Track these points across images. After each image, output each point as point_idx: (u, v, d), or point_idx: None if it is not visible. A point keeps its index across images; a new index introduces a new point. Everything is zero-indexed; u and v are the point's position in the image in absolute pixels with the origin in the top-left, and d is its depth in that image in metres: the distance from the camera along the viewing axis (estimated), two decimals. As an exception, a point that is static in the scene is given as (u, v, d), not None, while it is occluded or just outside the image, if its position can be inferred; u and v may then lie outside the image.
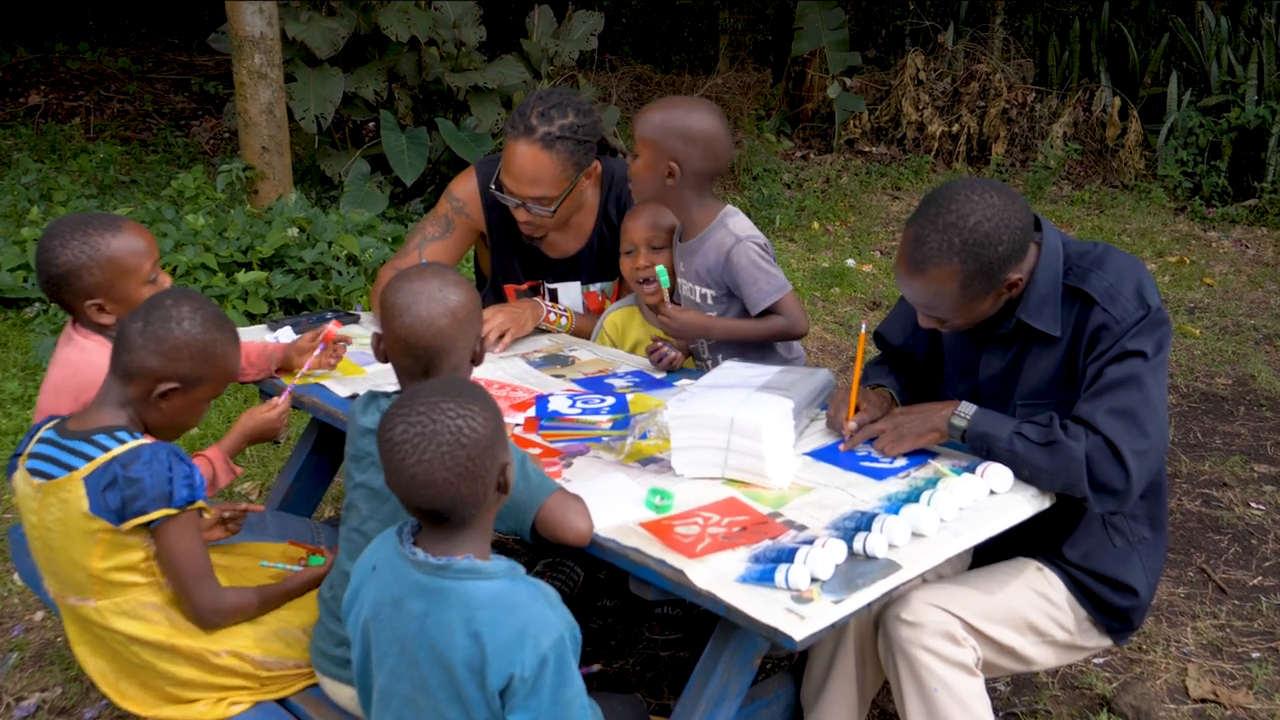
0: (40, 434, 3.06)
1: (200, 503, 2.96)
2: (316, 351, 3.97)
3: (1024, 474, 3.14)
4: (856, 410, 3.47)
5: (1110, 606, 3.42)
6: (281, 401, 3.83)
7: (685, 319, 4.01)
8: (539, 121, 4.26)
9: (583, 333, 4.63)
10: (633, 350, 4.50)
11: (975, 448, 3.24)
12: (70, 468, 2.92)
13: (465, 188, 4.65)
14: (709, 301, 4.03)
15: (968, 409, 3.26)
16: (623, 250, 4.36)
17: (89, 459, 2.91)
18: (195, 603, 3.04)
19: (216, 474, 3.67)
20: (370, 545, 2.75)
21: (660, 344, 4.13)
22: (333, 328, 4.02)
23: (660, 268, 3.98)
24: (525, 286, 4.73)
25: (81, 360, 3.42)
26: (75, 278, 3.38)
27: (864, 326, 3.67)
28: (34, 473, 3.00)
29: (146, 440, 2.95)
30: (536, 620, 2.48)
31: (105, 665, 3.12)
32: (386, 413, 2.54)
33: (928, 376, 3.76)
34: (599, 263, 4.67)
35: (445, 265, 3.13)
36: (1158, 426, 3.14)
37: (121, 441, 2.92)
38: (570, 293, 4.73)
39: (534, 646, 2.45)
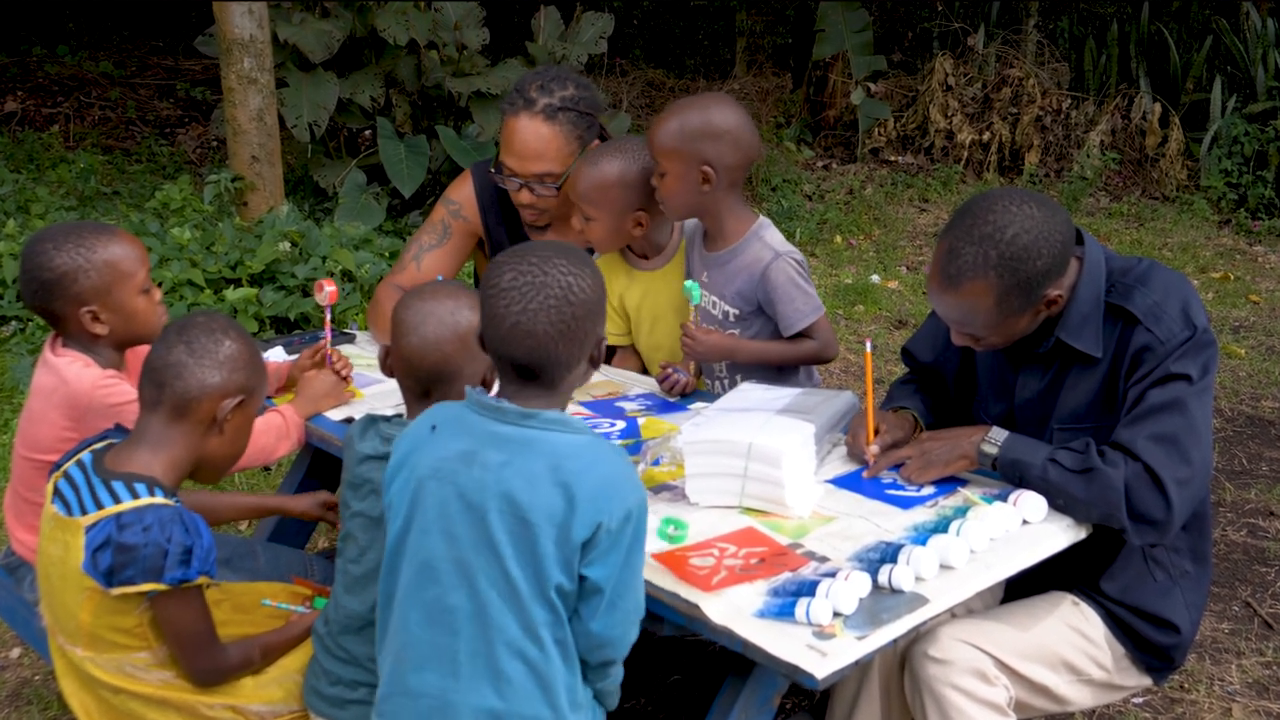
0: (80, 455, 3.07)
1: (202, 579, 2.93)
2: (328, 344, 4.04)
3: (1059, 503, 3.14)
4: (876, 433, 3.48)
5: (1150, 644, 3.42)
6: (335, 359, 4.02)
7: (711, 341, 3.98)
8: (539, 94, 4.32)
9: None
10: (622, 297, 4.46)
11: (1007, 475, 3.24)
12: (84, 509, 2.91)
13: (461, 191, 4.69)
14: (730, 320, 4.02)
15: (999, 434, 3.26)
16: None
17: (99, 506, 2.89)
18: (194, 667, 3.04)
19: (289, 430, 3.79)
20: (426, 411, 2.80)
21: (670, 369, 4.12)
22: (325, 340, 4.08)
23: (692, 284, 3.94)
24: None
25: (56, 383, 3.44)
26: (71, 281, 3.40)
27: (869, 345, 3.66)
28: (57, 494, 3.00)
29: (159, 500, 2.91)
30: (623, 474, 2.60)
31: (91, 703, 3.11)
32: (494, 261, 2.65)
33: (958, 397, 3.76)
34: None
35: (461, 285, 3.15)
36: (1201, 454, 3.14)
37: (135, 496, 2.89)
38: None
39: (621, 500, 2.55)
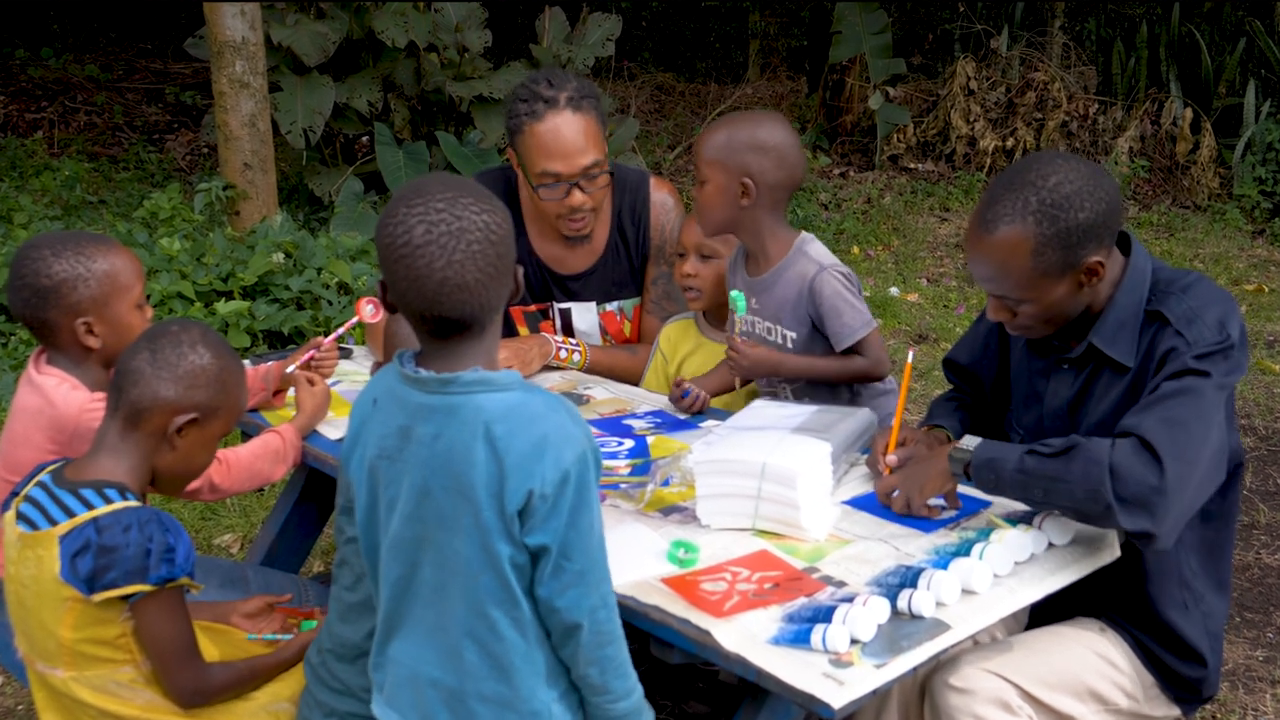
0: (39, 477, 3.07)
1: (185, 579, 2.94)
2: (304, 357, 4.03)
3: (1037, 494, 3.07)
4: (902, 445, 3.48)
5: (1177, 675, 3.41)
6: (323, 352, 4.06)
7: (756, 355, 3.99)
8: (555, 90, 4.33)
9: (598, 367, 4.64)
10: (682, 364, 4.52)
11: (982, 479, 3.17)
12: (53, 520, 2.92)
13: None
14: (789, 344, 4.04)
15: (971, 440, 3.22)
16: (675, 253, 4.44)
17: (70, 515, 2.90)
18: (177, 685, 3.02)
19: (286, 451, 3.78)
20: (370, 380, 2.79)
21: (684, 382, 4.14)
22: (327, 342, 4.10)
23: (737, 293, 3.97)
24: (534, 309, 4.76)
25: (42, 404, 3.42)
26: (70, 289, 3.39)
27: (910, 355, 3.67)
28: (20, 518, 3.00)
29: (134, 504, 2.93)
30: (558, 432, 2.53)
31: (75, 738, 3.12)
32: (392, 218, 2.54)
33: (995, 409, 3.75)
34: (615, 279, 4.71)
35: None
36: (1211, 446, 3.05)
37: (108, 501, 2.91)
38: (585, 314, 4.76)
39: (555, 460, 2.49)
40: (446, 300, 2.52)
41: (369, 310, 4.12)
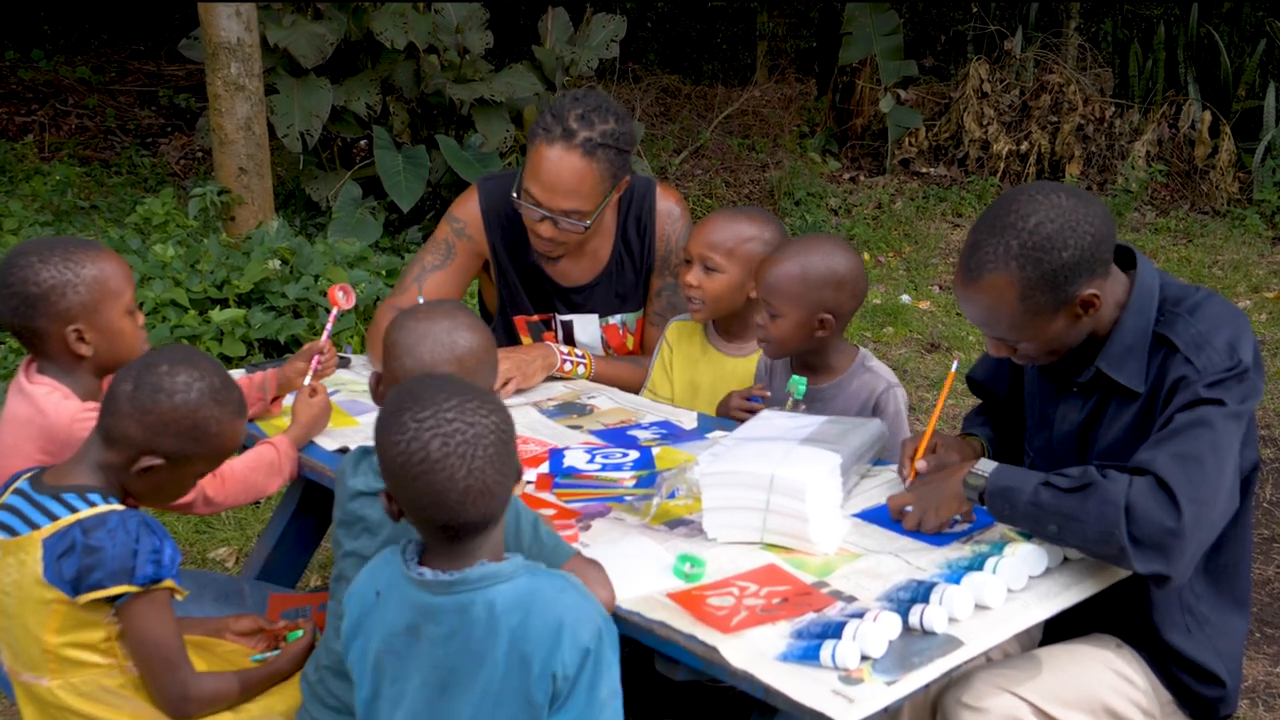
0: (15, 485, 3.07)
1: (169, 582, 2.95)
2: (312, 369, 4.01)
3: (1050, 530, 3.06)
4: (932, 452, 3.48)
5: (1194, 694, 3.40)
6: (315, 379, 4.02)
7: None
8: (580, 125, 4.25)
9: (602, 378, 4.62)
10: (690, 368, 4.50)
11: (996, 508, 3.16)
12: (34, 525, 2.93)
13: (466, 208, 4.67)
14: None
15: (987, 465, 3.21)
16: (681, 260, 4.42)
17: (54, 518, 2.92)
18: (164, 691, 3.03)
19: (281, 463, 3.75)
20: (368, 566, 2.79)
21: (763, 393, 4.17)
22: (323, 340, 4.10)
23: (799, 378, 3.94)
24: (537, 318, 4.76)
25: (33, 413, 3.42)
26: (59, 296, 3.37)
27: (955, 365, 3.68)
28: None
29: (117, 507, 2.94)
30: (573, 612, 2.56)
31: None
32: (401, 433, 2.54)
33: (1016, 426, 3.75)
34: (618, 292, 4.71)
35: (459, 305, 3.13)
36: (1227, 479, 3.06)
37: (91, 504, 2.92)
38: (587, 327, 4.75)
39: (573, 641, 2.53)
40: (471, 508, 2.54)
41: (341, 296, 4.12)
